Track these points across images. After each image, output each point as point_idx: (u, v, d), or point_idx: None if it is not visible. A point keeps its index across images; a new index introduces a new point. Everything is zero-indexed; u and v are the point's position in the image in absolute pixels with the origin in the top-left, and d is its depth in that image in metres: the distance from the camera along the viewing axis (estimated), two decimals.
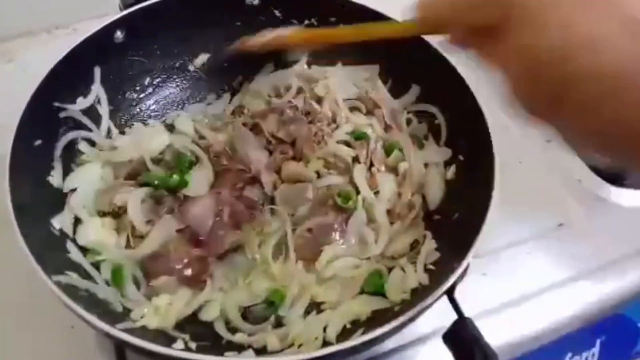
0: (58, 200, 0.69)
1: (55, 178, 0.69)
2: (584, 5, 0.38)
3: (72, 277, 0.60)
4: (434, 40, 0.77)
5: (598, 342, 0.79)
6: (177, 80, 0.87)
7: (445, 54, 0.75)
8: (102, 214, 0.70)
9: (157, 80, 0.85)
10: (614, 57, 0.36)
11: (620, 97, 0.36)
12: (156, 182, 0.72)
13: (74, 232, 0.67)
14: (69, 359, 0.67)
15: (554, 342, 0.74)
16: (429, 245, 0.69)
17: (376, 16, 0.80)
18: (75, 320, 0.54)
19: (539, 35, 0.39)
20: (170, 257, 0.67)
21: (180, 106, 0.87)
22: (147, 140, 0.77)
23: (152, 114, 0.84)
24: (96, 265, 0.65)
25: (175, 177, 0.73)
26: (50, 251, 0.61)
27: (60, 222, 0.67)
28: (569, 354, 0.78)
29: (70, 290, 0.57)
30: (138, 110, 0.84)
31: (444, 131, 0.79)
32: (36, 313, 0.68)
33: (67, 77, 0.71)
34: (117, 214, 0.70)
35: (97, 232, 0.67)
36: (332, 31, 0.76)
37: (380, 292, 0.66)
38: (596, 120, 0.38)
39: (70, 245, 0.65)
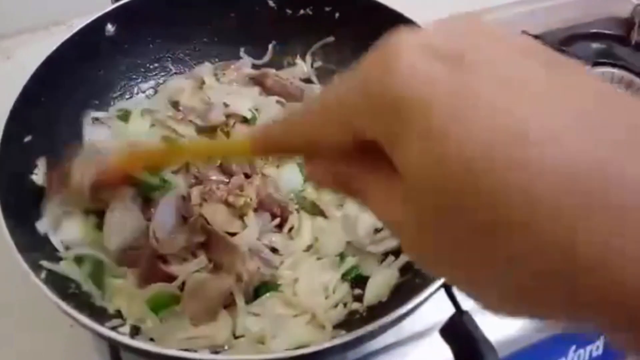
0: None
1: (39, 176, 0.67)
2: (518, 90, 0.24)
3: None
4: None
5: (602, 335, 0.78)
6: (170, 72, 0.86)
7: None
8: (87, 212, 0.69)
9: (150, 73, 0.84)
10: (579, 158, 0.22)
11: (603, 224, 0.21)
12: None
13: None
14: (65, 359, 0.66)
15: (557, 335, 0.73)
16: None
17: (372, 5, 0.79)
18: (72, 321, 0.53)
19: (451, 143, 0.23)
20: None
21: None
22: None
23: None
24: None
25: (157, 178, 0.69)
26: (40, 250, 0.61)
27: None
28: (573, 347, 0.77)
29: (60, 289, 0.56)
30: (129, 103, 0.82)
31: None
32: (32, 313, 0.67)
33: (57, 72, 0.70)
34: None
35: (79, 230, 0.66)
36: (159, 152, 0.63)
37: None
38: (554, 271, 0.23)
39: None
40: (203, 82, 0.82)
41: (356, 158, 0.30)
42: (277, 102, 0.81)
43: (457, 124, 0.23)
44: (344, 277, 0.67)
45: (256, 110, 0.79)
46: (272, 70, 0.84)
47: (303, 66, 0.87)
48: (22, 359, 0.67)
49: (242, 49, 0.87)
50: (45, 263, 0.58)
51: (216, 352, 0.59)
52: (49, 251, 0.62)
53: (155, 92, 0.84)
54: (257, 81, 0.84)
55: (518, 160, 0.22)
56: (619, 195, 0.21)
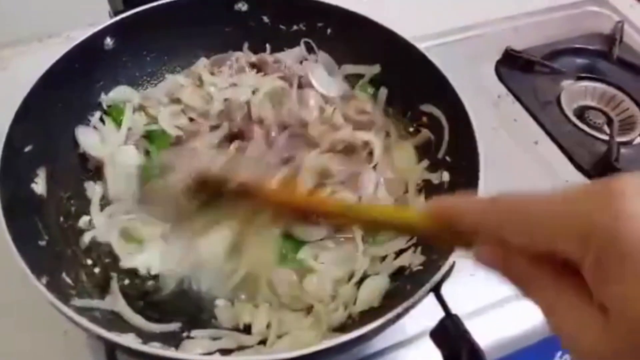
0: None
1: (39, 185, 0.68)
2: None
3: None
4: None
5: None
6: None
7: (432, 60, 0.76)
8: None
9: (147, 86, 0.86)
10: None
11: None
12: None
13: None
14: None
15: (543, 340, 0.74)
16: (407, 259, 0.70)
17: (364, 22, 0.82)
18: (68, 324, 0.54)
19: None
20: None
21: None
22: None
23: None
24: None
25: None
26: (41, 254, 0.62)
27: None
28: (559, 352, 0.78)
29: (60, 293, 0.57)
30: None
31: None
32: (30, 315, 0.67)
33: (58, 83, 0.71)
34: None
35: None
36: (317, 203, 0.54)
37: None
38: None
39: None
40: (201, 79, 0.84)
41: (548, 266, 0.31)
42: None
43: None
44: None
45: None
46: (270, 57, 0.87)
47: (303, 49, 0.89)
48: (21, 359, 0.67)
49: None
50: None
51: None
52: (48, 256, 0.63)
53: None
54: (257, 67, 0.86)
55: None
56: None
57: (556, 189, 0.31)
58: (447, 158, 0.76)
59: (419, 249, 0.69)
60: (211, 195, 0.53)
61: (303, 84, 0.83)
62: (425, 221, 0.37)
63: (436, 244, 0.52)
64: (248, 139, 0.76)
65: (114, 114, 0.80)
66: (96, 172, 0.76)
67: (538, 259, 0.31)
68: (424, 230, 0.39)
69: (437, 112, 0.78)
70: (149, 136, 0.80)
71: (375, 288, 0.66)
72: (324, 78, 0.84)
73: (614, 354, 0.28)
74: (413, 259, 0.68)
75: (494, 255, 0.34)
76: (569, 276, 0.30)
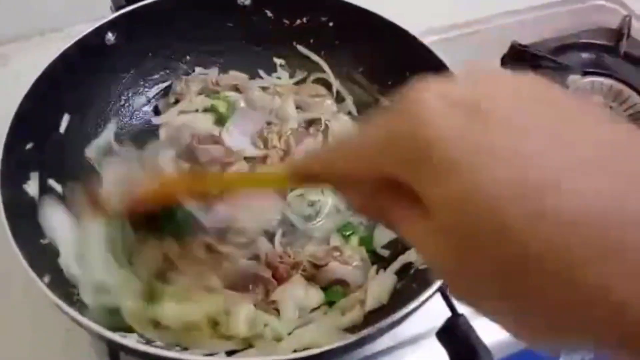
0: None
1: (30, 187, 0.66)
2: (530, 139, 0.26)
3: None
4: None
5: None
6: (169, 81, 0.87)
7: (438, 54, 0.75)
8: None
9: (149, 81, 0.85)
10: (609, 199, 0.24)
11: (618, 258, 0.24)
12: None
13: None
14: None
15: None
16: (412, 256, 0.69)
17: (368, 15, 0.81)
18: (70, 324, 0.54)
19: (482, 176, 0.26)
20: None
21: None
22: None
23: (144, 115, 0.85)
24: None
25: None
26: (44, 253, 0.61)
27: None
28: (565, 351, 0.77)
29: (62, 292, 0.56)
30: (129, 110, 0.84)
31: None
32: (30, 315, 0.68)
33: (59, 80, 0.71)
34: None
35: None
36: (195, 179, 0.65)
37: None
38: (579, 296, 0.25)
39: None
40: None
41: (389, 192, 0.32)
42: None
43: (477, 173, 0.26)
44: None
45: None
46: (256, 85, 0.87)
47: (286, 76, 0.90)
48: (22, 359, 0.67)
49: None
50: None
51: None
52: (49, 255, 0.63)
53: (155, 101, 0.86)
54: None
55: (536, 211, 0.25)
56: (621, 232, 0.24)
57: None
58: None
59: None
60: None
61: None
62: (287, 179, 0.43)
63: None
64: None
65: None
66: None
67: (388, 192, 0.32)
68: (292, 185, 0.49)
69: None
70: None
71: (383, 286, 0.66)
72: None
73: (448, 259, 0.29)
74: (418, 257, 0.68)
75: (362, 201, 0.36)
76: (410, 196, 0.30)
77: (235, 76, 0.88)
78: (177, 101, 0.84)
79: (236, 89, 0.86)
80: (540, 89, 0.29)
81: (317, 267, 0.67)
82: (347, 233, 0.74)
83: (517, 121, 0.27)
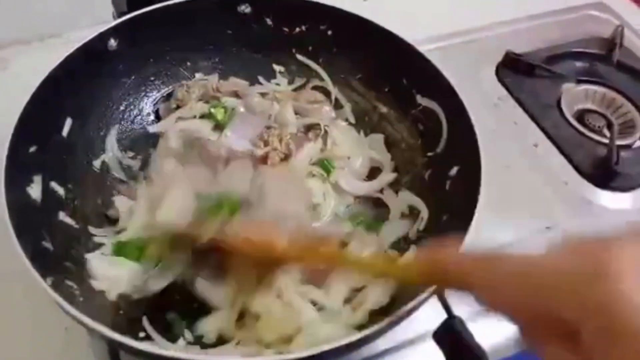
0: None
1: (34, 189, 0.67)
2: None
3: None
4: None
5: None
6: (171, 87, 0.88)
7: (434, 63, 0.76)
8: None
9: (151, 87, 0.86)
10: None
11: None
12: None
13: None
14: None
15: None
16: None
17: (365, 24, 0.82)
18: (69, 322, 0.54)
19: None
20: None
21: None
22: None
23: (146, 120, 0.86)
24: None
25: None
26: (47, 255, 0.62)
27: None
28: None
29: (64, 292, 0.57)
30: (130, 116, 0.85)
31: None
32: (30, 314, 0.68)
33: (62, 85, 0.71)
34: None
35: None
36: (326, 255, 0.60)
37: None
38: None
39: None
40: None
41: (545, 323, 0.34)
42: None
43: None
44: None
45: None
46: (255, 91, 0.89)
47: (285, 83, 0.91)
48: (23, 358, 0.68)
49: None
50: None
51: None
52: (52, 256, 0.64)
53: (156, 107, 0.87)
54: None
55: None
56: None
57: (551, 250, 0.33)
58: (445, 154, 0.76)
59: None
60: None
61: None
62: (418, 276, 0.42)
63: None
64: None
65: None
66: None
67: (534, 320, 0.34)
68: (416, 282, 0.42)
69: (436, 108, 0.78)
70: None
71: (385, 286, 0.66)
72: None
73: None
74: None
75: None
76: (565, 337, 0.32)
77: (236, 82, 0.89)
78: (178, 107, 0.85)
79: (236, 95, 0.87)
80: None
81: None
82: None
83: None
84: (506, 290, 0.36)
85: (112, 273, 0.66)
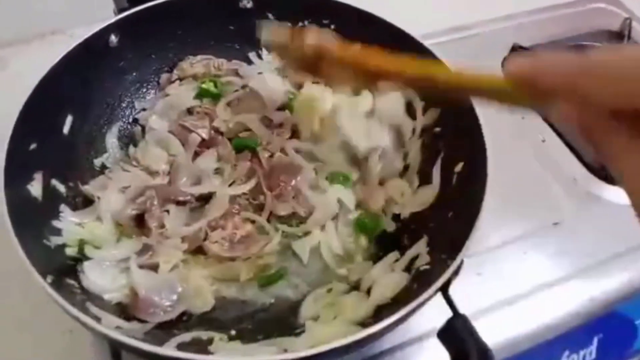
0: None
1: (34, 187, 0.67)
2: None
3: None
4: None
5: (595, 339, 0.79)
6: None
7: (439, 57, 0.75)
8: None
9: (152, 82, 0.86)
10: None
11: None
12: None
13: None
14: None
15: (551, 340, 0.74)
16: (419, 248, 0.69)
17: (370, 19, 0.81)
18: (72, 324, 0.54)
19: None
20: None
21: None
22: None
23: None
24: None
25: None
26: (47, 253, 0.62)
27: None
28: (567, 352, 0.78)
29: (65, 291, 0.57)
30: (132, 112, 0.84)
31: None
32: (33, 316, 0.68)
33: (63, 81, 0.71)
34: None
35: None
36: (400, 64, 0.57)
37: None
38: None
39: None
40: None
41: (617, 120, 0.32)
42: None
43: None
44: None
45: None
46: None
47: None
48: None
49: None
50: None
51: None
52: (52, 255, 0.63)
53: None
54: None
55: None
56: None
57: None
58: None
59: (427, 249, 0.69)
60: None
61: None
62: (506, 84, 0.38)
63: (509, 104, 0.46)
64: None
65: None
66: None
67: (616, 116, 0.32)
68: (505, 93, 0.39)
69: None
70: None
71: (392, 283, 0.67)
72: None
73: None
74: (422, 254, 0.68)
75: (571, 112, 0.35)
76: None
77: (238, 63, 0.89)
78: (179, 78, 0.85)
79: (237, 74, 0.87)
80: None
81: None
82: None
83: None
84: (578, 75, 0.33)
85: (106, 281, 0.66)
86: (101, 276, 0.65)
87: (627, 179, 0.32)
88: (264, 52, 0.90)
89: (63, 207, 0.68)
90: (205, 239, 0.71)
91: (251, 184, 0.76)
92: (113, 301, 0.65)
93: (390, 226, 0.76)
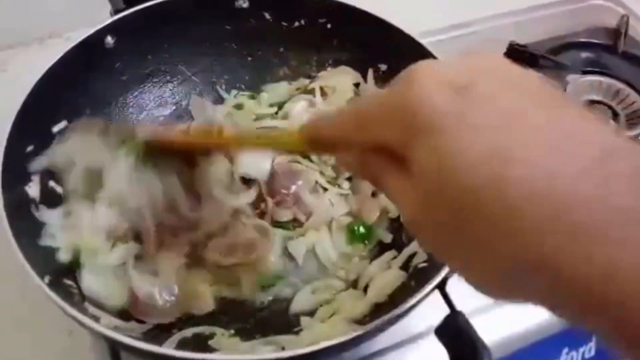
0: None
1: (32, 188, 0.67)
2: (508, 120, 0.30)
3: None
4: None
5: (594, 337, 0.79)
6: (169, 84, 0.87)
7: (436, 55, 0.75)
8: None
9: (149, 85, 0.86)
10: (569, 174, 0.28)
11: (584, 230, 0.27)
12: None
13: None
14: None
15: (549, 337, 0.74)
16: (417, 246, 0.69)
17: (367, 18, 0.81)
18: (71, 324, 0.54)
19: (456, 139, 0.30)
20: None
21: None
22: None
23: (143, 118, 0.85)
24: None
25: None
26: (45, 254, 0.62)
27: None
28: (566, 349, 0.78)
29: (63, 291, 0.57)
30: (129, 113, 0.84)
31: None
32: (31, 316, 0.68)
33: (59, 83, 0.71)
34: None
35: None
36: (208, 136, 0.65)
37: None
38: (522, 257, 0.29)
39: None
40: None
41: (382, 157, 0.37)
42: None
43: (454, 140, 0.30)
44: None
45: None
46: None
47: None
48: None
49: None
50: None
51: None
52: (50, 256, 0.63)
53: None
54: None
55: (499, 176, 0.29)
56: (572, 212, 0.27)
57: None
58: None
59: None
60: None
61: None
62: (299, 143, 0.45)
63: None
64: None
65: None
66: None
67: (376, 152, 0.37)
68: (303, 147, 0.46)
69: None
70: None
71: (389, 281, 0.67)
72: None
73: (421, 210, 0.33)
74: (419, 252, 0.68)
75: (352, 158, 0.42)
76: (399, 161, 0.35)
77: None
78: None
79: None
80: (535, 86, 0.32)
81: None
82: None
83: (501, 105, 0.31)
84: (340, 126, 0.40)
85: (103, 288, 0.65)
86: (98, 282, 0.64)
87: (390, 196, 0.38)
88: None
89: (57, 213, 0.67)
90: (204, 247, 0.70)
91: (252, 194, 0.76)
92: (111, 303, 0.64)
93: (387, 237, 0.75)
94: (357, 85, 0.86)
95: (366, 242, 0.74)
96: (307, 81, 0.88)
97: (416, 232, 0.36)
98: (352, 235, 0.74)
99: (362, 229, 0.75)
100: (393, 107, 0.34)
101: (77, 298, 0.60)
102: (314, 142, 0.43)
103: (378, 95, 0.37)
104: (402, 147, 0.34)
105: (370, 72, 0.85)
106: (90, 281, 0.64)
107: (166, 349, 0.55)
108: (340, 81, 0.85)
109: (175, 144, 0.65)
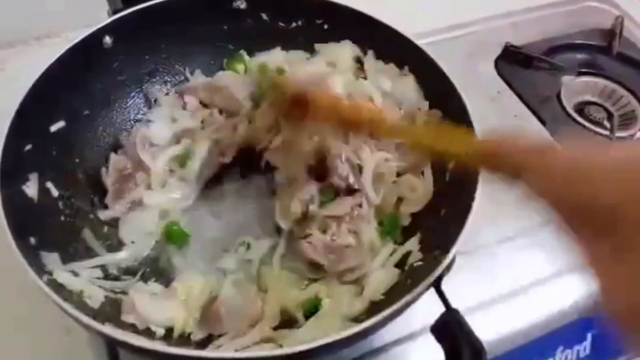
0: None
1: (30, 188, 0.67)
2: None
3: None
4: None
5: (589, 335, 0.79)
6: (167, 83, 0.88)
7: (432, 56, 0.76)
8: None
9: (146, 84, 0.86)
10: None
11: None
12: None
13: None
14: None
15: (544, 336, 0.74)
16: (412, 245, 0.70)
17: (363, 19, 0.82)
18: (70, 323, 0.55)
19: None
20: None
21: None
22: None
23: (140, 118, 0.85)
24: None
25: None
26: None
27: None
28: (560, 348, 0.78)
29: (61, 290, 0.57)
30: (127, 113, 0.84)
31: None
32: (30, 315, 0.68)
33: (57, 82, 0.71)
34: None
35: None
36: (376, 119, 0.63)
37: None
38: None
39: None
40: None
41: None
42: None
43: None
44: None
45: None
46: None
47: None
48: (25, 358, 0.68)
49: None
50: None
51: None
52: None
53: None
54: None
55: None
56: None
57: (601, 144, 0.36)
58: None
59: (419, 245, 0.69)
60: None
61: None
62: (472, 153, 0.43)
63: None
64: None
65: None
66: None
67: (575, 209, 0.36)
68: (467, 159, 0.43)
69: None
70: None
71: (384, 279, 0.67)
72: None
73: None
74: (414, 251, 0.69)
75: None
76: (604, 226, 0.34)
77: None
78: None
79: None
80: None
81: None
82: None
83: None
84: (555, 179, 0.38)
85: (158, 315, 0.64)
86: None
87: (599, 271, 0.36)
88: None
89: (53, 258, 0.63)
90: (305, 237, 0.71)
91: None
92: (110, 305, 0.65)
93: (406, 220, 0.75)
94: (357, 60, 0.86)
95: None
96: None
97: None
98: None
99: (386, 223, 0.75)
100: (626, 173, 0.33)
101: (75, 297, 0.60)
102: (497, 164, 0.42)
103: (607, 151, 0.36)
104: (617, 217, 0.32)
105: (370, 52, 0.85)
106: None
107: (163, 346, 0.55)
108: (340, 55, 0.85)
109: (325, 107, 0.62)
